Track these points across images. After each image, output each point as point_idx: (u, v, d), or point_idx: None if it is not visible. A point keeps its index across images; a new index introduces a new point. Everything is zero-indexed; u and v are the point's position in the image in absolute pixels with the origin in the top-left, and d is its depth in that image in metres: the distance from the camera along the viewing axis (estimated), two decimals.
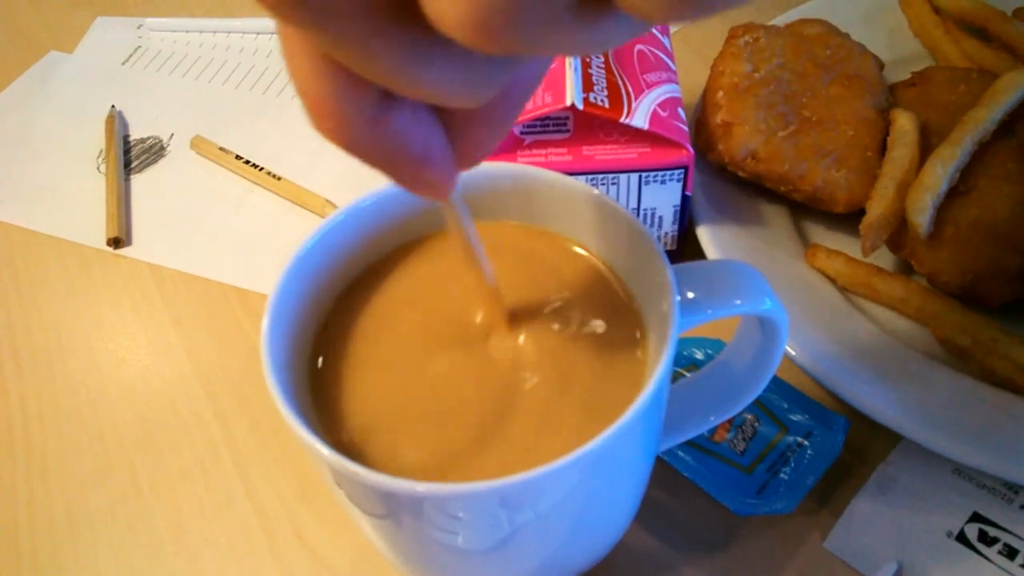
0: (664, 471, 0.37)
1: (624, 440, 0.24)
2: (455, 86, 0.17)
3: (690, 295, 0.28)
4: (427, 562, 0.30)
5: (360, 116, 0.18)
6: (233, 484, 0.39)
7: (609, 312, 0.29)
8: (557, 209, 0.30)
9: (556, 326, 0.28)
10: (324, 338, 0.29)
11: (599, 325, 0.28)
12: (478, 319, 0.28)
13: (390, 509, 0.24)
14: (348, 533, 0.37)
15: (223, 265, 0.48)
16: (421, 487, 0.23)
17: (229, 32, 0.63)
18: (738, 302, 0.28)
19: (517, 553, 0.28)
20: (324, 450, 0.23)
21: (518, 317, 0.28)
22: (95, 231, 0.50)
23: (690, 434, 0.32)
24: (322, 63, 0.18)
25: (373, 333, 0.28)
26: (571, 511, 0.26)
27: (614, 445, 0.23)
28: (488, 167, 0.30)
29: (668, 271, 0.27)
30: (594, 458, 0.23)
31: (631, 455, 0.26)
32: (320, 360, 0.28)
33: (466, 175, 0.30)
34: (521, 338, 0.27)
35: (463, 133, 0.20)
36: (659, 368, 0.24)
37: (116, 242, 0.49)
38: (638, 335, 0.28)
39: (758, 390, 0.31)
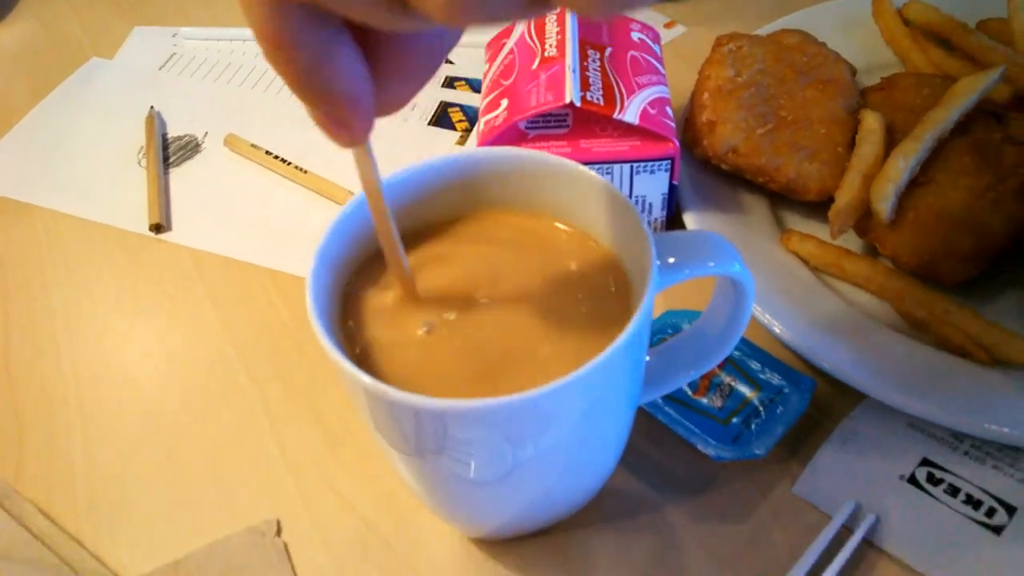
0: (649, 424, 0.41)
1: (614, 366, 0.28)
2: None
3: (671, 260, 0.32)
4: (445, 490, 0.34)
5: (313, 48, 0.21)
6: (267, 440, 0.44)
7: (601, 275, 0.33)
8: (556, 189, 0.35)
9: (556, 286, 0.33)
10: (354, 288, 0.33)
11: (593, 285, 0.33)
12: (479, 282, 0.32)
13: (416, 427, 0.29)
14: (372, 480, 0.42)
15: (256, 249, 0.53)
16: (441, 403, 0.27)
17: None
18: (712, 264, 0.32)
19: (520, 483, 0.33)
20: (363, 377, 0.28)
21: (524, 275, 0.32)
22: (138, 218, 0.55)
23: (672, 386, 0.37)
24: (281, 2, 0.21)
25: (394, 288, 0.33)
26: (568, 434, 0.30)
27: (606, 369, 0.27)
28: (498, 151, 0.35)
29: (650, 239, 0.31)
30: (589, 379, 0.27)
31: (620, 382, 0.30)
32: (350, 307, 0.33)
33: (480, 160, 0.35)
34: (524, 292, 0.32)
35: (387, 85, 0.24)
36: (641, 308, 0.29)
37: (157, 228, 0.54)
38: (626, 293, 0.33)
39: (731, 345, 0.35)
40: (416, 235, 0.35)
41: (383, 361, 0.31)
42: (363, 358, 0.31)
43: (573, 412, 0.29)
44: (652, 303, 0.30)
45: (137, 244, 0.55)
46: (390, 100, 0.24)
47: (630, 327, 0.28)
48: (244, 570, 0.39)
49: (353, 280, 0.34)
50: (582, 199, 0.34)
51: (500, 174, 0.35)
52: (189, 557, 0.40)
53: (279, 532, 0.40)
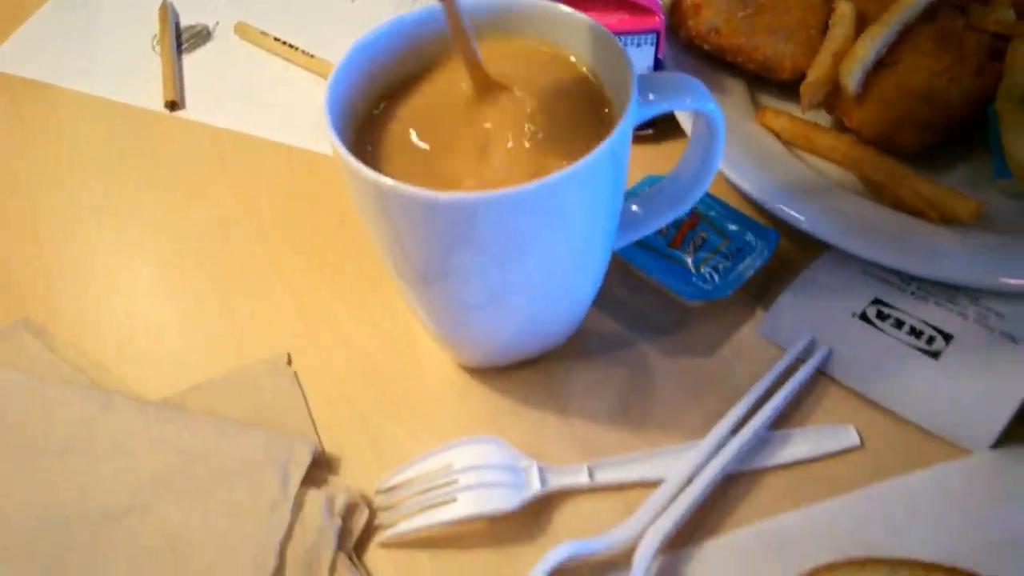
0: (627, 274, 0.45)
1: (594, 172, 0.32)
2: None
3: (651, 96, 0.36)
4: (446, 311, 0.38)
5: None
6: (279, 294, 0.48)
7: (591, 105, 0.37)
8: (559, 30, 0.38)
9: (550, 114, 0.36)
10: (368, 116, 0.37)
11: (583, 114, 0.36)
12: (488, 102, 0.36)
13: (425, 223, 0.32)
14: (373, 319, 0.45)
15: (267, 125, 0.56)
16: (447, 195, 0.31)
17: None
18: (688, 100, 0.36)
19: (510, 302, 0.37)
20: (382, 179, 0.31)
21: (519, 99, 0.36)
22: (153, 98, 0.59)
23: (650, 227, 0.41)
24: None
25: (407, 112, 0.37)
26: (553, 238, 0.34)
27: (589, 171, 0.31)
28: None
29: (632, 71, 0.34)
30: (575, 179, 0.31)
31: (598, 191, 0.34)
32: (365, 131, 0.36)
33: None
34: (520, 112, 0.35)
35: None
36: (619, 125, 0.32)
37: (172, 105, 0.58)
38: (613, 125, 0.36)
39: (704, 185, 0.39)
40: (416, 59, 0.38)
41: (393, 173, 0.34)
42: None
43: (558, 211, 0.32)
44: (630, 126, 0.34)
45: (153, 120, 0.58)
46: None
47: (609, 139, 0.32)
48: (259, 393, 0.43)
49: (366, 110, 0.37)
50: (572, 37, 0.37)
51: (496, 18, 0.38)
52: (208, 382, 0.44)
53: (289, 363, 0.44)
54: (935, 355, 0.39)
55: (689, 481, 0.37)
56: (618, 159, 0.34)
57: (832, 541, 0.35)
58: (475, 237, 0.33)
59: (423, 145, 0.35)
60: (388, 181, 0.31)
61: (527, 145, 0.34)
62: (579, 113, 0.36)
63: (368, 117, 0.37)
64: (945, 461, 0.38)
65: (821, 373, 0.41)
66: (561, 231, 0.34)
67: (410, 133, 0.36)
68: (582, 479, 0.38)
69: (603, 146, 0.32)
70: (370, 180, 0.32)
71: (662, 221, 0.41)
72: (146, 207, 0.53)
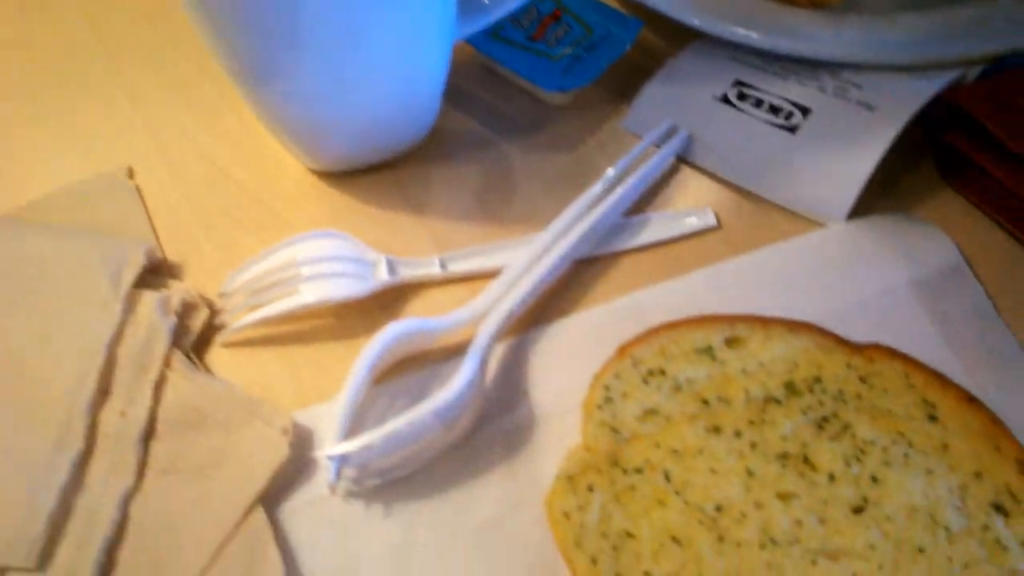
0: (487, 72, 0.43)
1: None
2: None
3: None
4: (285, 107, 0.36)
5: None
6: (124, 109, 0.45)
7: None
8: None
9: None
10: None
11: None
12: None
13: None
14: (223, 135, 0.43)
15: None
16: None
17: None
18: None
19: (344, 97, 0.34)
20: None
21: None
22: None
23: (499, 14, 0.38)
24: None
25: None
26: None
27: None
28: None
29: None
30: None
31: None
32: None
33: None
34: None
35: None
36: None
37: None
38: None
39: None
40: None
41: None
42: None
43: None
44: None
45: None
46: None
47: None
48: (97, 206, 0.40)
49: None
50: None
51: None
52: (43, 198, 0.41)
53: (131, 176, 0.42)
54: (793, 130, 0.38)
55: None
56: None
57: (683, 310, 0.34)
58: None
59: None
60: None
61: None
62: None
63: None
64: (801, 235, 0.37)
65: (683, 161, 0.40)
66: None
67: None
68: (433, 270, 0.37)
69: None
70: None
71: (512, 5, 0.38)
72: None
